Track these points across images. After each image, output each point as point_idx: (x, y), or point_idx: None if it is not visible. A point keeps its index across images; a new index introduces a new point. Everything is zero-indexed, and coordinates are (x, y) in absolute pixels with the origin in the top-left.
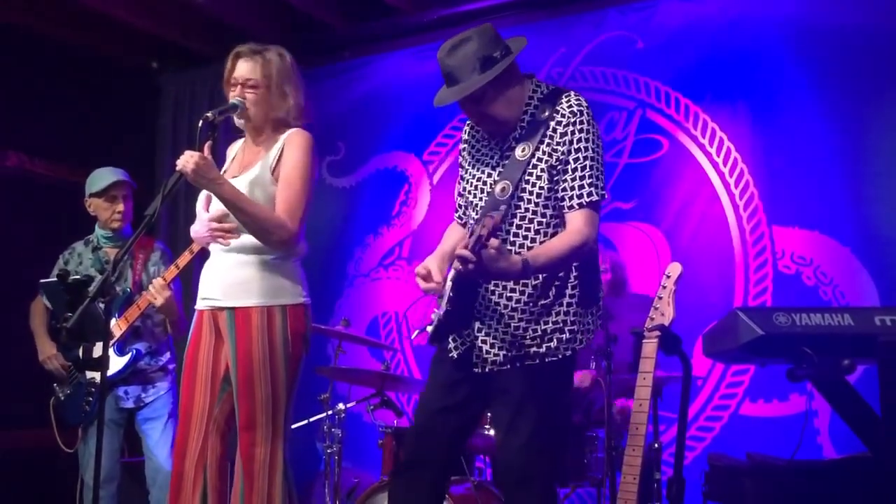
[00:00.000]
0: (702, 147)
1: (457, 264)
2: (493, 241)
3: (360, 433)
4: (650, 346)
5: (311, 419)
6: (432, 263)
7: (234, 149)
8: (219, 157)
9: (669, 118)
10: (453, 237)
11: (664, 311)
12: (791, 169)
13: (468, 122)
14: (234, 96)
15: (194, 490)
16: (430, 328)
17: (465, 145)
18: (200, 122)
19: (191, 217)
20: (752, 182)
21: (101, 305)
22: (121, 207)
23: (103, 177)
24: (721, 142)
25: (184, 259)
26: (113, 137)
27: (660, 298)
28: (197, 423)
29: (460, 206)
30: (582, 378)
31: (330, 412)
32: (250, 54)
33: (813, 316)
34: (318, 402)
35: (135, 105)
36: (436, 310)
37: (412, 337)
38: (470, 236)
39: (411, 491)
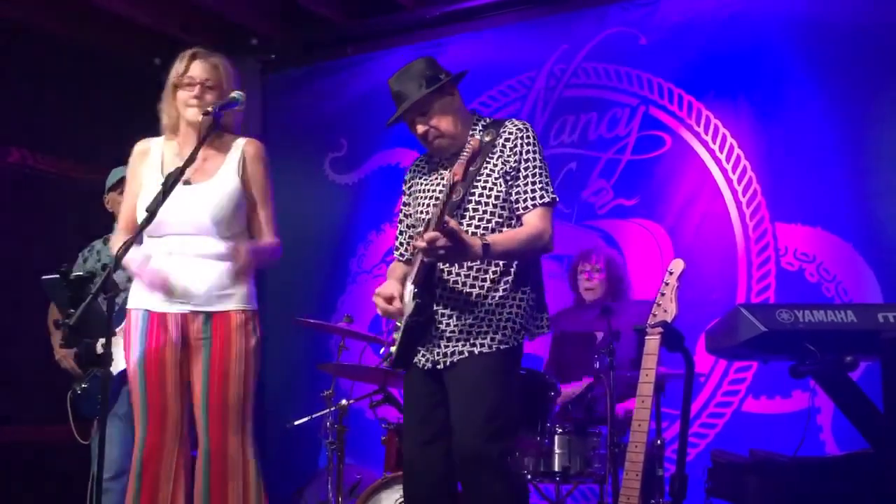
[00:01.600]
0: (704, 143)
1: (421, 243)
2: (451, 221)
3: (363, 429)
4: (653, 343)
5: (314, 415)
6: (393, 288)
7: (159, 147)
8: None
9: (672, 115)
10: (398, 271)
11: (667, 308)
12: (794, 165)
13: (413, 162)
14: (191, 96)
15: (175, 497)
16: (393, 349)
17: (409, 183)
18: (201, 115)
19: None
20: (754, 178)
21: (104, 301)
22: None
23: (118, 171)
24: (724, 138)
25: None
26: (115, 133)
27: (662, 295)
28: (172, 429)
29: (402, 243)
30: (572, 391)
31: (333, 408)
32: (207, 56)
33: (816, 313)
34: (320, 398)
35: (137, 101)
36: (395, 335)
37: (383, 361)
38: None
39: None
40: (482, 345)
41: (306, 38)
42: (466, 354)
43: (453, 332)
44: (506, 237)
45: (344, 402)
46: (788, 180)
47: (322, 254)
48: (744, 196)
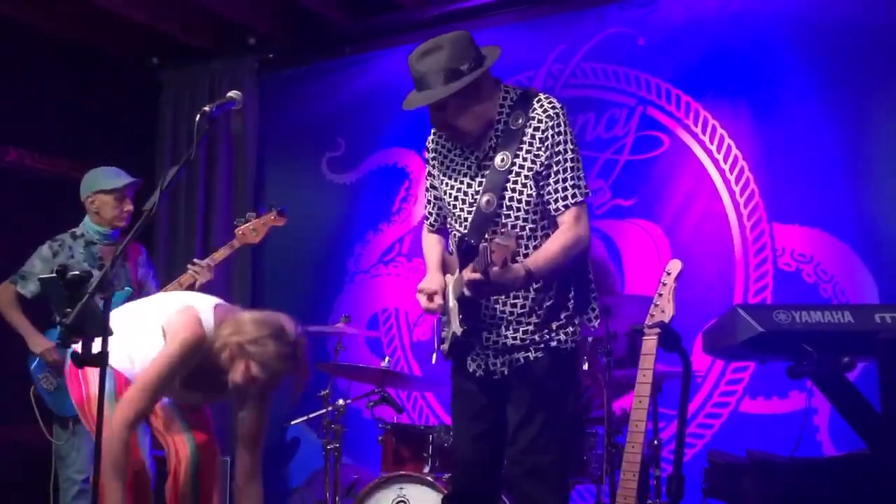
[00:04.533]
0: (702, 144)
1: (468, 292)
2: (496, 269)
3: (360, 429)
4: (650, 343)
5: (312, 415)
6: (434, 282)
7: None
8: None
9: (670, 115)
10: (436, 248)
11: (664, 308)
12: (791, 166)
13: (434, 131)
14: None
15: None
16: (444, 346)
17: (434, 154)
18: (198, 115)
19: (191, 212)
20: (752, 179)
21: (101, 301)
22: (130, 207)
23: (116, 176)
24: (722, 139)
25: (221, 253)
26: (113, 133)
27: (660, 295)
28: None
29: (430, 213)
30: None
31: (330, 408)
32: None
33: (813, 313)
34: (318, 398)
35: (135, 100)
36: (444, 329)
37: (433, 362)
38: (465, 256)
39: None
40: (536, 353)
41: (304, 38)
42: (522, 361)
43: (505, 344)
44: (546, 257)
45: (341, 401)
46: (786, 181)
47: (319, 253)
48: (741, 196)
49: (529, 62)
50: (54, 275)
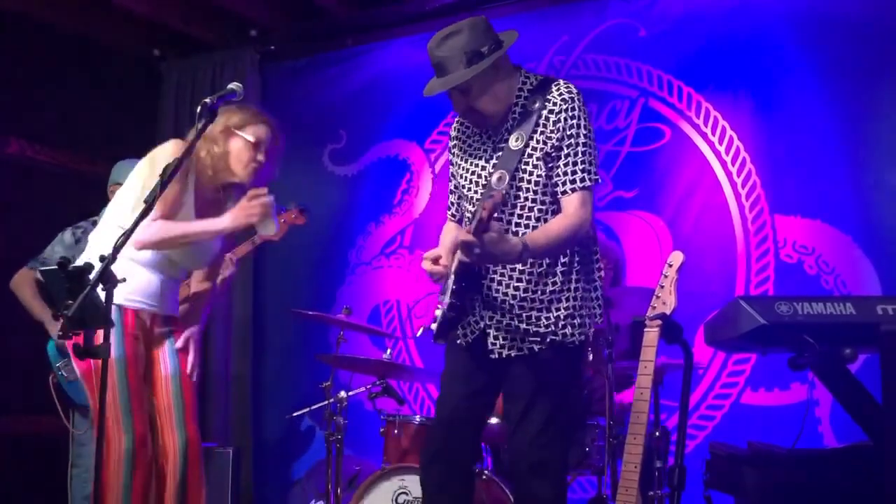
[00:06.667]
0: (704, 136)
1: (460, 255)
2: (494, 224)
3: (362, 421)
4: (651, 335)
5: (313, 407)
6: (440, 250)
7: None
8: None
9: (672, 107)
10: (451, 234)
11: (666, 300)
12: (793, 157)
13: (457, 119)
14: (251, 158)
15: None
16: (434, 325)
17: (456, 142)
18: (199, 107)
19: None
20: (754, 171)
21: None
22: None
23: (127, 165)
24: (723, 130)
25: (243, 249)
26: (114, 124)
27: (661, 287)
28: (148, 419)
29: (453, 203)
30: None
31: (331, 400)
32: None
33: (815, 305)
34: (319, 389)
35: (136, 92)
36: (439, 306)
37: (417, 335)
38: (470, 223)
39: (445, 481)
40: (540, 344)
41: (306, 29)
42: (526, 352)
43: (507, 330)
44: (545, 234)
45: (343, 393)
46: (787, 172)
47: (321, 245)
48: (743, 188)
49: (531, 54)
50: (54, 267)
